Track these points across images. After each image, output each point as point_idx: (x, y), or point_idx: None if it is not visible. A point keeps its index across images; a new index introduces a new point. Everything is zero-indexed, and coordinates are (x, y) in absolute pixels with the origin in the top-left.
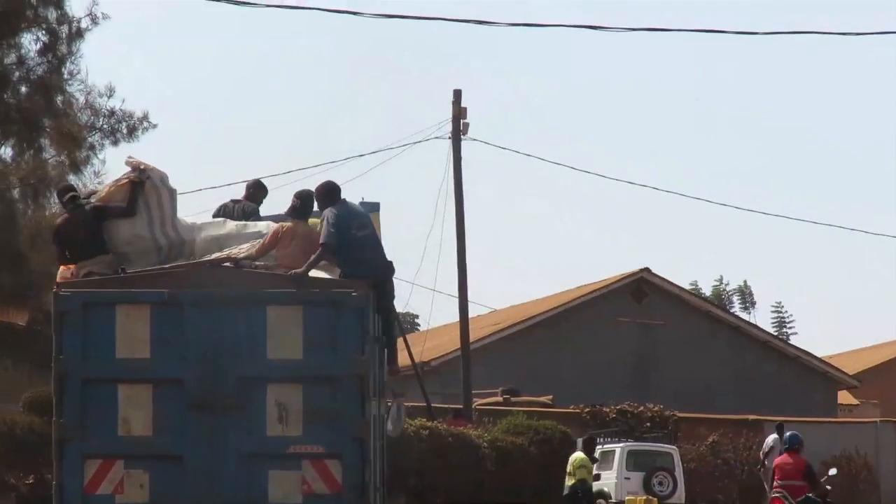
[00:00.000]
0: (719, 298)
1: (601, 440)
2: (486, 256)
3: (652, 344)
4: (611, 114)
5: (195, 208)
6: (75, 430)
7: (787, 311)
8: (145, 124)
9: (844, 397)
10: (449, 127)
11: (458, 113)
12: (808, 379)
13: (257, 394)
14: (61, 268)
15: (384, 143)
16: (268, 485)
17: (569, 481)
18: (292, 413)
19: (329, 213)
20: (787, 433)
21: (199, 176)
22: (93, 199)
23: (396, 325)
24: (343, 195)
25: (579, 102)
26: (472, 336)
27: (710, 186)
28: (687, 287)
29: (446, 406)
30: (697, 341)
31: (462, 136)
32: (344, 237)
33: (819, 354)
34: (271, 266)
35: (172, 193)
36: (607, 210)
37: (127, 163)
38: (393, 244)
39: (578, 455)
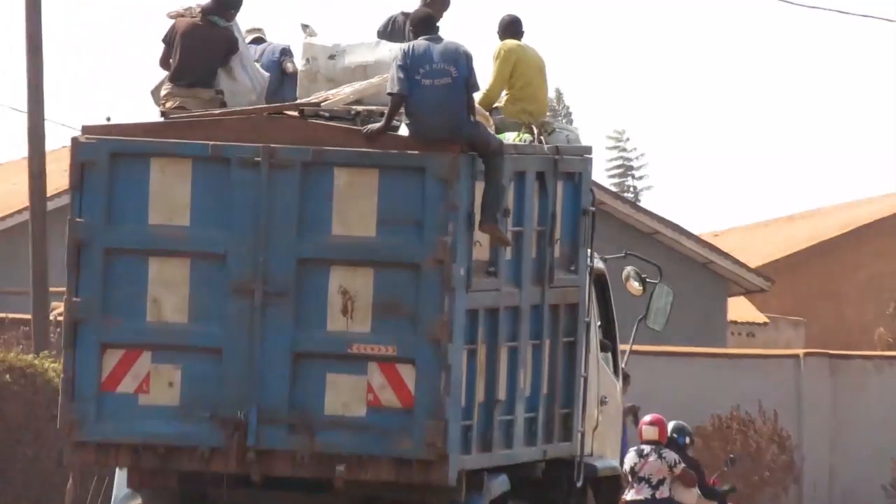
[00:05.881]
0: None
1: None
2: None
3: None
4: None
5: None
6: (93, 310)
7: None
8: None
9: (740, 309)
10: None
11: None
12: (680, 271)
13: (317, 278)
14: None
15: None
16: (324, 391)
17: None
18: (359, 304)
19: (400, 51)
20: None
21: None
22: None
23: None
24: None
25: None
26: None
27: None
28: None
29: None
30: None
31: None
32: (410, 85)
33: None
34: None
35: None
36: None
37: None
38: None
39: None
